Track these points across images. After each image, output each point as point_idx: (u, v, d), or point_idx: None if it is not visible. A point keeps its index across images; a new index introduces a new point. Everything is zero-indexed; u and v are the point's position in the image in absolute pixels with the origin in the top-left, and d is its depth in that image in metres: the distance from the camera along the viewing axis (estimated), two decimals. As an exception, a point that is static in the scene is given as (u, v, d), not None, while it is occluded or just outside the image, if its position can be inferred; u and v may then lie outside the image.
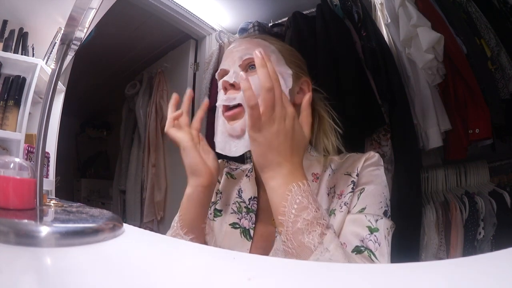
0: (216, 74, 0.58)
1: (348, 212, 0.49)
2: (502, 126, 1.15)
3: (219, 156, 0.58)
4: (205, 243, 0.54)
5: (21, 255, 0.25)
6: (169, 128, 0.53)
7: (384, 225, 0.46)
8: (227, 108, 0.52)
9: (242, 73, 0.43)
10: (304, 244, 0.38)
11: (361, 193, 0.49)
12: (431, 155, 1.32)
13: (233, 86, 0.53)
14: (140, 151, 2.18)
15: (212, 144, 0.56)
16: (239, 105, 0.51)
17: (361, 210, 0.48)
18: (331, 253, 0.38)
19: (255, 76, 0.50)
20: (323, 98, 0.63)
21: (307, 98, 0.50)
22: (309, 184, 0.42)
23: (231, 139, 0.52)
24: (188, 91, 0.56)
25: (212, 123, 0.57)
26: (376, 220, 0.46)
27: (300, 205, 0.40)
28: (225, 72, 0.55)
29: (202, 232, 0.54)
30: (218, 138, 0.54)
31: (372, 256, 0.43)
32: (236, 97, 0.51)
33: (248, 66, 0.54)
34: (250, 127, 0.43)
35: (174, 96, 0.56)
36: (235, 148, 0.51)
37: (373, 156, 0.54)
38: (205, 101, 0.58)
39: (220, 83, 0.55)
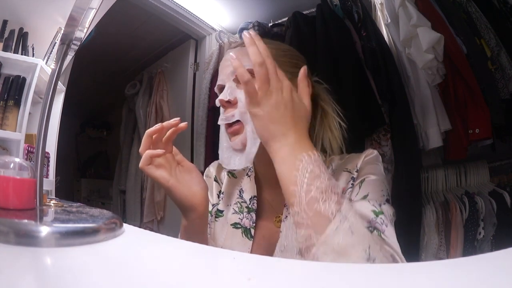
0: (215, 88, 0.59)
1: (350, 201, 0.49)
2: (502, 126, 1.15)
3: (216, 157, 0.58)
4: None
5: (21, 255, 0.25)
6: (144, 166, 0.49)
7: (388, 210, 0.46)
8: (229, 125, 0.53)
9: (232, 53, 0.45)
10: (320, 213, 0.36)
11: (361, 182, 0.50)
12: (431, 155, 1.32)
13: (229, 103, 0.53)
14: (140, 151, 2.18)
15: (214, 149, 0.57)
16: (238, 121, 0.52)
17: (364, 197, 0.48)
18: (351, 221, 0.36)
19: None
20: (326, 91, 0.62)
21: (302, 71, 0.49)
22: (319, 155, 0.42)
23: (234, 153, 0.53)
24: (183, 124, 0.51)
25: (212, 123, 0.58)
26: (380, 205, 0.46)
27: (312, 174, 0.38)
28: (222, 88, 0.56)
29: None
30: (224, 154, 0.55)
31: (382, 235, 0.42)
32: (235, 113, 0.52)
33: None
34: (248, 103, 0.43)
35: (158, 126, 0.50)
36: (239, 162, 0.52)
37: (372, 152, 0.54)
38: (181, 124, 0.51)
39: (216, 101, 0.55)
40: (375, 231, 0.42)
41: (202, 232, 0.53)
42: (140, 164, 0.49)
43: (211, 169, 0.68)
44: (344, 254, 0.34)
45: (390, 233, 0.43)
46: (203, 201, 0.51)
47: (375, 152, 0.55)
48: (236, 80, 0.54)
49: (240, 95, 0.52)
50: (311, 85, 0.56)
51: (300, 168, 0.39)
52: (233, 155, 0.53)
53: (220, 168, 0.68)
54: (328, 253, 0.34)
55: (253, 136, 0.49)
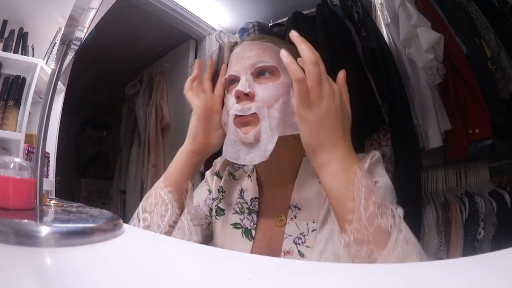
0: (224, 78, 0.57)
1: None
2: (502, 126, 1.15)
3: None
4: (182, 203, 0.53)
5: (21, 255, 0.25)
6: (187, 91, 0.57)
7: (401, 213, 0.46)
8: (240, 115, 0.51)
9: (284, 51, 0.43)
10: (381, 228, 0.36)
11: None
12: (431, 155, 1.31)
13: (247, 95, 0.51)
14: (140, 151, 2.18)
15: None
16: (252, 114, 0.50)
17: None
18: (404, 232, 0.36)
19: (269, 84, 0.51)
20: None
21: (342, 75, 0.48)
22: (364, 167, 0.41)
23: (243, 147, 0.50)
24: (210, 59, 0.59)
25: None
26: (396, 208, 0.46)
27: (368, 188, 0.38)
28: (235, 78, 0.54)
29: (180, 189, 0.53)
30: (230, 147, 0.52)
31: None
32: (251, 106, 0.50)
33: (260, 73, 0.53)
34: (299, 104, 0.41)
35: (198, 61, 0.61)
36: (250, 156, 0.49)
37: (374, 154, 0.54)
38: (211, 60, 0.63)
39: (233, 92, 0.53)
40: None
41: (187, 166, 0.54)
42: (184, 90, 0.59)
43: (218, 162, 0.67)
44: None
45: (407, 235, 0.43)
46: (206, 144, 0.55)
47: (378, 153, 0.55)
48: (254, 74, 0.52)
49: (258, 90, 0.51)
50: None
51: (356, 183, 0.38)
52: (243, 149, 0.50)
53: (224, 165, 0.66)
54: None
55: (270, 132, 0.48)
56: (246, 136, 0.49)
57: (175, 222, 0.51)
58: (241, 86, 0.51)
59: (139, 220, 0.51)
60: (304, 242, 0.51)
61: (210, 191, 0.65)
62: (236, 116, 0.51)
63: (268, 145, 0.48)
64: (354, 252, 0.36)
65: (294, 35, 0.43)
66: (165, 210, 0.50)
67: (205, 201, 0.64)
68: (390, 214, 0.37)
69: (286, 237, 0.52)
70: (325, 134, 0.40)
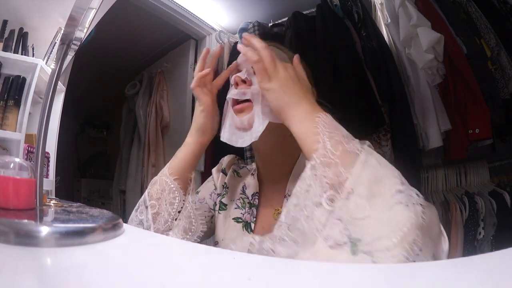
0: (232, 79, 0.60)
1: None
2: (502, 126, 1.15)
3: (231, 151, 0.62)
4: (186, 189, 0.56)
5: (21, 255, 0.25)
6: (195, 87, 0.58)
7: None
8: (237, 102, 0.55)
9: (239, 44, 0.51)
10: (347, 150, 0.37)
11: None
12: (431, 155, 1.31)
13: (244, 82, 0.55)
14: (140, 151, 2.18)
15: (215, 148, 0.57)
16: (248, 100, 0.54)
17: None
18: (376, 156, 0.38)
19: None
20: (328, 111, 0.64)
21: (296, 58, 0.56)
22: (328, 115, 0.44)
23: (238, 131, 0.54)
24: (218, 46, 0.61)
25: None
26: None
27: (332, 125, 0.41)
28: (238, 66, 0.59)
29: (186, 179, 0.56)
30: (226, 130, 0.56)
31: None
32: (247, 92, 0.54)
33: None
34: (260, 80, 0.47)
35: (205, 50, 0.62)
36: (242, 140, 0.53)
37: (364, 142, 0.55)
38: (219, 47, 0.65)
39: (232, 78, 0.58)
40: None
41: (194, 156, 0.58)
42: (192, 85, 0.59)
43: (225, 160, 0.71)
44: (378, 182, 0.34)
45: None
46: (213, 134, 0.59)
47: (367, 142, 0.56)
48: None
49: (255, 79, 0.54)
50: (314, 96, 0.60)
51: (320, 123, 0.41)
52: (236, 133, 0.54)
53: (231, 162, 0.70)
54: (364, 183, 0.34)
55: (262, 116, 0.51)
56: (240, 120, 0.54)
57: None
58: (240, 73, 0.56)
59: (146, 207, 0.55)
60: None
61: (216, 187, 0.68)
62: (233, 103, 0.55)
63: (259, 127, 0.51)
64: (321, 173, 0.37)
65: (245, 35, 0.51)
66: (173, 198, 0.54)
67: (211, 195, 0.67)
68: (357, 142, 0.39)
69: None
70: (288, 95, 0.46)
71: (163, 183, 0.55)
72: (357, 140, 0.40)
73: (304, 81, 0.50)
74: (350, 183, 0.34)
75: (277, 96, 0.46)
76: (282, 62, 0.49)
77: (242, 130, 0.54)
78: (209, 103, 0.57)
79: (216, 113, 0.59)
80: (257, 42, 0.49)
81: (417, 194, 0.33)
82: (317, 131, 0.40)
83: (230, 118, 0.55)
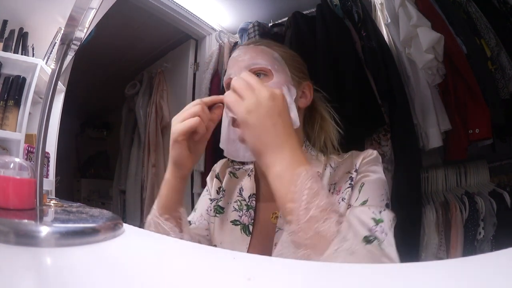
0: (224, 81, 0.59)
1: (349, 206, 0.49)
2: (502, 126, 1.15)
3: (222, 156, 0.58)
4: (180, 227, 0.54)
5: (21, 255, 0.25)
6: (176, 122, 0.51)
7: (388, 217, 0.46)
8: (235, 119, 0.52)
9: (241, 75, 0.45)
10: (320, 233, 0.35)
11: (361, 187, 0.50)
12: (431, 155, 1.31)
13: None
14: (140, 151, 2.18)
15: (214, 149, 0.56)
16: None
17: (364, 203, 0.48)
18: (350, 241, 0.35)
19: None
20: (324, 99, 0.64)
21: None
22: (314, 170, 0.40)
23: (242, 145, 0.52)
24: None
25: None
26: (380, 212, 0.46)
27: (311, 191, 0.36)
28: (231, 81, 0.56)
29: (176, 215, 0.54)
30: (230, 146, 0.54)
31: (382, 245, 0.41)
32: None
33: (255, 74, 0.55)
34: (235, 111, 0.42)
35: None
36: (248, 154, 0.52)
37: (372, 153, 0.54)
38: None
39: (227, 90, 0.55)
40: (375, 240, 0.42)
41: (177, 192, 0.54)
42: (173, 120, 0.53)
43: (217, 166, 0.70)
44: None
45: (389, 242, 0.42)
46: (192, 166, 0.54)
47: (375, 153, 0.55)
48: None
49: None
50: (311, 96, 0.59)
51: (299, 184, 0.37)
52: (242, 147, 0.52)
53: (225, 166, 0.69)
54: None
55: None
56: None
57: None
58: (236, 77, 0.52)
59: None
60: None
61: (211, 200, 0.66)
62: (232, 120, 0.53)
63: None
64: (291, 254, 0.36)
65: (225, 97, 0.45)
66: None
67: (207, 210, 0.65)
68: (334, 221, 0.35)
69: (277, 230, 0.54)
70: (269, 135, 0.40)
71: (157, 225, 0.53)
72: (335, 213, 0.37)
73: (286, 115, 0.43)
74: None
75: (256, 135, 0.40)
76: (269, 89, 0.42)
77: (246, 144, 0.52)
78: (179, 132, 0.50)
79: (199, 143, 0.53)
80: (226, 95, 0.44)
81: None
82: (293, 198, 0.36)
83: (232, 133, 0.53)
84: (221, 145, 0.55)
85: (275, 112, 0.41)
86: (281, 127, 0.41)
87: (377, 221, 0.44)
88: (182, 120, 0.50)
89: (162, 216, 0.53)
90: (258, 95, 0.41)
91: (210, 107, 0.53)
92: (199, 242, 0.59)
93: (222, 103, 0.52)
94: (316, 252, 0.35)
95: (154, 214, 0.54)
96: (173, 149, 0.51)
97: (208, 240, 0.62)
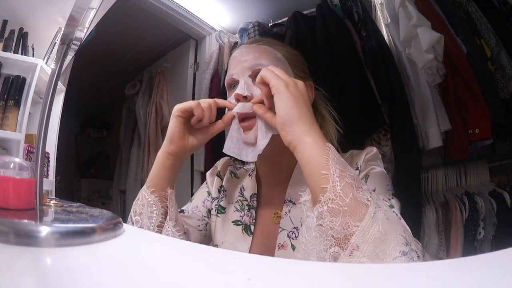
0: (226, 81, 0.59)
1: None
2: (502, 126, 1.15)
3: (222, 155, 0.59)
4: (163, 205, 0.53)
5: (21, 255, 0.25)
6: (180, 106, 0.53)
7: (397, 204, 0.47)
8: (242, 118, 0.53)
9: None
10: (357, 199, 0.35)
11: (367, 178, 0.51)
12: (431, 155, 1.31)
13: (246, 98, 0.54)
14: (140, 151, 2.18)
15: (214, 149, 0.57)
16: (251, 118, 0.53)
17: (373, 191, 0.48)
18: (383, 208, 0.36)
19: None
20: (324, 97, 0.64)
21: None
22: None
23: (247, 146, 0.53)
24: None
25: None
26: (389, 199, 0.47)
27: (342, 162, 0.39)
28: (235, 81, 0.57)
29: (163, 190, 0.54)
30: (235, 145, 0.54)
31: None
32: (251, 106, 0.53)
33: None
34: (275, 83, 0.44)
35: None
36: (251, 154, 0.52)
37: (372, 150, 0.56)
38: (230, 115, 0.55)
39: (232, 95, 0.56)
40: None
41: (165, 169, 0.54)
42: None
43: (219, 163, 0.70)
44: (384, 241, 0.33)
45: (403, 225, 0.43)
46: (183, 146, 0.54)
47: (375, 149, 0.56)
48: (252, 76, 0.55)
49: (256, 92, 0.53)
50: (313, 95, 0.60)
51: (331, 155, 0.38)
52: (245, 147, 0.53)
53: (226, 165, 0.69)
54: (369, 241, 0.33)
55: (265, 130, 0.51)
56: (248, 137, 0.52)
57: (162, 223, 0.52)
58: (240, 90, 0.54)
59: (132, 223, 0.53)
60: (297, 236, 0.52)
61: (209, 193, 0.66)
62: (240, 119, 0.54)
63: (262, 140, 0.50)
64: (327, 224, 0.35)
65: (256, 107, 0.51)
66: (151, 212, 0.52)
67: (204, 202, 0.65)
68: (366, 189, 0.37)
69: (281, 231, 0.54)
70: (303, 107, 0.43)
71: (143, 197, 0.53)
72: (364, 184, 0.38)
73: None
74: (357, 239, 0.33)
75: (294, 102, 0.43)
76: (291, 78, 0.47)
77: (250, 145, 0.53)
78: (180, 108, 0.52)
79: (201, 133, 0.55)
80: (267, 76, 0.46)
81: (418, 256, 0.33)
82: (328, 166, 0.37)
83: (238, 132, 0.54)
84: (225, 149, 0.55)
85: (306, 95, 0.46)
86: (306, 106, 0.45)
87: (390, 207, 0.46)
88: (187, 107, 0.53)
89: (148, 188, 0.53)
90: (286, 79, 0.45)
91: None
92: (187, 231, 0.58)
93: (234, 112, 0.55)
94: (354, 218, 0.34)
95: (143, 187, 0.54)
96: (169, 124, 0.54)
97: (199, 231, 0.62)
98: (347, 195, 0.35)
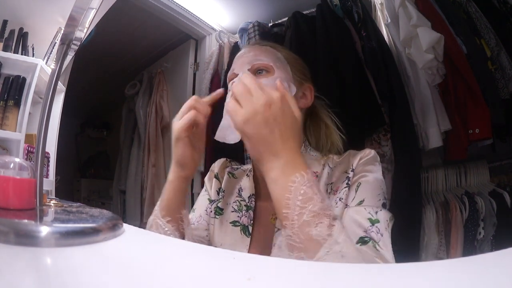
0: (227, 77, 0.60)
1: (346, 206, 0.50)
2: (502, 126, 1.15)
3: (222, 155, 0.58)
4: (181, 231, 0.54)
5: (21, 255, 0.25)
6: (175, 121, 0.52)
7: (384, 217, 0.46)
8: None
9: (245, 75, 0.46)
10: (312, 237, 0.36)
11: (358, 187, 0.50)
12: (431, 155, 1.31)
13: None
14: (140, 151, 2.18)
15: (214, 149, 0.57)
16: None
17: (360, 203, 0.48)
18: (341, 245, 0.36)
19: (263, 79, 0.55)
20: (326, 106, 0.64)
21: (278, 82, 0.48)
22: (311, 173, 0.41)
23: (231, 128, 0.51)
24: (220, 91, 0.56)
25: (212, 123, 0.57)
26: (376, 212, 0.46)
27: (305, 196, 0.38)
28: (235, 76, 0.58)
29: (178, 219, 0.54)
30: (221, 130, 0.54)
31: (377, 246, 0.42)
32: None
33: (257, 71, 0.57)
34: (234, 122, 0.43)
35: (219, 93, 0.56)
36: (233, 136, 0.51)
37: (369, 153, 0.54)
38: (220, 91, 0.55)
39: (229, 85, 0.57)
40: (370, 241, 0.43)
41: (180, 193, 0.54)
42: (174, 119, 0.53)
43: (216, 166, 0.70)
44: None
45: (384, 243, 0.43)
46: (196, 166, 0.55)
47: (373, 152, 0.55)
48: (251, 70, 0.56)
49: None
50: (311, 98, 0.60)
51: (293, 190, 0.38)
52: (229, 129, 0.52)
53: (223, 166, 0.69)
54: None
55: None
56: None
57: None
58: (237, 80, 0.54)
59: None
60: None
61: (210, 200, 0.66)
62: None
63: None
64: (285, 256, 0.38)
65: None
66: None
67: (206, 210, 0.65)
68: (326, 225, 0.37)
69: (277, 230, 0.53)
70: (265, 145, 0.41)
71: (158, 226, 0.53)
72: (328, 218, 0.38)
73: (291, 116, 0.43)
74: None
75: (252, 145, 0.42)
76: (267, 92, 0.42)
77: (233, 128, 0.50)
78: (182, 129, 0.50)
79: (200, 140, 0.54)
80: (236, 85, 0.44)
81: None
82: (288, 204, 0.38)
83: (225, 118, 0.53)
84: (216, 137, 0.54)
85: (272, 119, 0.41)
86: (278, 133, 0.41)
87: (373, 222, 0.45)
88: (180, 118, 0.51)
89: (164, 218, 0.53)
90: (255, 103, 0.41)
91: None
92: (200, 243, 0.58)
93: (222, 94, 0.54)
94: (308, 255, 0.36)
95: (156, 215, 0.54)
96: (176, 147, 0.52)
97: (208, 241, 0.62)
98: (304, 233, 0.37)
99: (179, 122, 0.51)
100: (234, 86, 0.44)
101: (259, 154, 0.42)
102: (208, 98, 0.55)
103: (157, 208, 0.55)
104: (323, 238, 0.36)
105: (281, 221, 0.40)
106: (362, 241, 0.43)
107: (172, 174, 0.54)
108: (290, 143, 0.42)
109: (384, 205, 0.48)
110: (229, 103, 0.44)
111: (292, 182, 0.39)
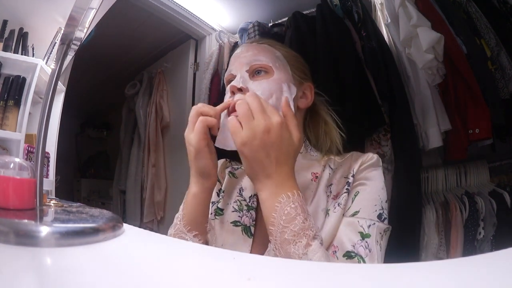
0: (225, 78, 0.59)
1: (343, 213, 0.50)
2: (502, 126, 1.15)
3: (221, 155, 0.58)
4: (206, 241, 0.55)
5: (21, 255, 0.25)
6: (188, 134, 0.51)
7: (377, 230, 0.47)
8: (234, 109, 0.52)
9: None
10: (290, 254, 0.40)
11: (355, 196, 0.50)
12: (431, 155, 1.31)
13: (241, 90, 0.54)
14: (140, 151, 2.18)
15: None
16: None
17: (354, 214, 0.48)
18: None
19: (262, 81, 0.54)
20: (325, 102, 0.64)
21: (285, 101, 0.51)
22: (299, 194, 0.44)
23: (229, 133, 0.51)
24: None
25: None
26: (369, 226, 0.47)
27: (288, 216, 0.41)
28: (233, 77, 0.57)
29: (204, 230, 0.54)
30: (222, 137, 0.53)
31: (362, 262, 0.44)
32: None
33: (255, 71, 0.56)
34: (234, 141, 0.45)
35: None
36: (233, 144, 0.51)
37: (371, 158, 0.54)
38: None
39: (228, 87, 0.56)
40: (356, 257, 0.44)
41: (206, 205, 0.54)
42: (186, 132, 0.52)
43: None
44: None
45: (371, 259, 0.44)
46: (216, 175, 0.55)
47: (375, 157, 0.54)
48: (249, 71, 0.55)
49: (252, 86, 0.53)
50: (312, 98, 0.60)
51: (278, 210, 0.42)
52: (228, 135, 0.51)
53: (223, 167, 0.68)
54: None
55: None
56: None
57: None
58: (235, 82, 0.54)
59: None
60: None
61: (212, 202, 0.65)
62: (232, 110, 0.52)
63: None
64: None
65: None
66: None
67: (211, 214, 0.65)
68: (303, 244, 0.40)
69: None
70: (259, 167, 0.44)
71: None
72: (307, 238, 0.41)
73: (289, 140, 0.45)
74: None
75: (247, 165, 0.45)
76: (268, 116, 0.44)
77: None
78: (204, 143, 0.50)
79: (213, 150, 0.53)
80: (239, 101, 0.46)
81: None
82: (273, 222, 0.42)
83: (224, 124, 0.53)
84: (216, 143, 0.54)
85: (269, 144, 0.43)
86: (274, 157, 0.44)
87: (364, 236, 0.46)
88: (192, 129, 0.50)
89: (190, 232, 0.52)
90: (255, 127, 0.43)
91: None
92: None
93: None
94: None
95: (180, 230, 0.52)
96: (196, 160, 0.51)
97: (213, 243, 0.62)
98: (283, 249, 0.41)
99: (193, 135, 0.50)
100: (239, 104, 0.45)
101: (254, 174, 0.45)
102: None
103: (179, 222, 0.53)
104: (299, 256, 0.40)
105: (269, 236, 0.43)
106: (348, 255, 0.45)
107: (196, 186, 0.52)
108: (284, 167, 0.45)
109: (380, 216, 0.48)
110: (231, 120, 0.46)
111: (278, 203, 0.43)
